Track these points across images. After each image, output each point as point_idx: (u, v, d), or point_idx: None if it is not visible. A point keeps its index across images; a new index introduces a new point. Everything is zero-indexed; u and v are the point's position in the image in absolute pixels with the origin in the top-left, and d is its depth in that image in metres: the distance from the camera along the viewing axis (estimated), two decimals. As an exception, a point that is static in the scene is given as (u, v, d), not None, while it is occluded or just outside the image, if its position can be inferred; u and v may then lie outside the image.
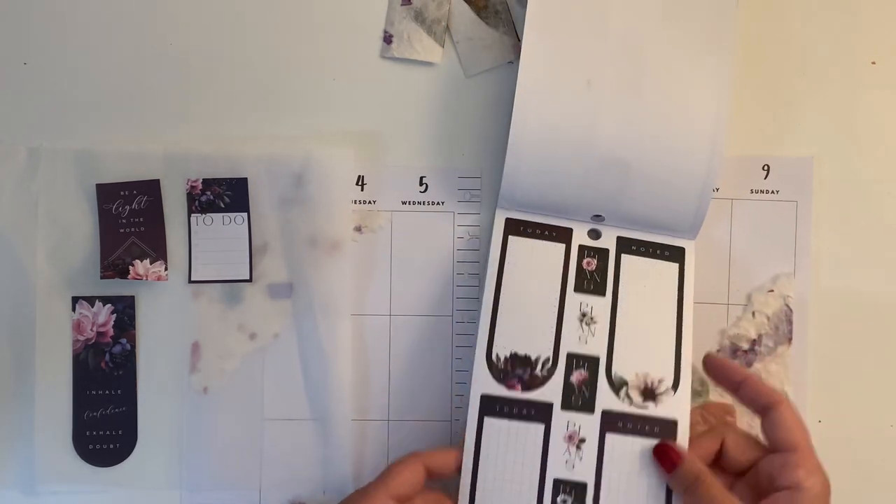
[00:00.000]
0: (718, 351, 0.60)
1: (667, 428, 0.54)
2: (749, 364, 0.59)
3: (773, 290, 0.60)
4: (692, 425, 0.55)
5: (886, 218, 0.60)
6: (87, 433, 0.59)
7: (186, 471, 0.59)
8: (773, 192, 0.60)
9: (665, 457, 0.53)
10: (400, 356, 0.60)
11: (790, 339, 0.60)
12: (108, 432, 0.59)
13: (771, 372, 0.59)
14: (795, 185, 0.60)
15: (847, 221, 0.60)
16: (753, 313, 0.60)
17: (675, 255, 0.57)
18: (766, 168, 0.60)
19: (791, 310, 0.60)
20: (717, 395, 0.60)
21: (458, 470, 0.54)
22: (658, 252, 0.57)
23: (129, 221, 0.59)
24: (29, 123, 0.59)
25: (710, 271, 0.60)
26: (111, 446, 0.59)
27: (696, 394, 0.59)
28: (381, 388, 0.60)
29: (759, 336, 0.60)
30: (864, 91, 0.60)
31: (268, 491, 0.59)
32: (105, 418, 0.59)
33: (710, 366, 0.55)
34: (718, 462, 0.54)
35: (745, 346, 0.60)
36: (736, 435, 0.54)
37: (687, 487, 0.51)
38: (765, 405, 0.52)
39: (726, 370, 0.54)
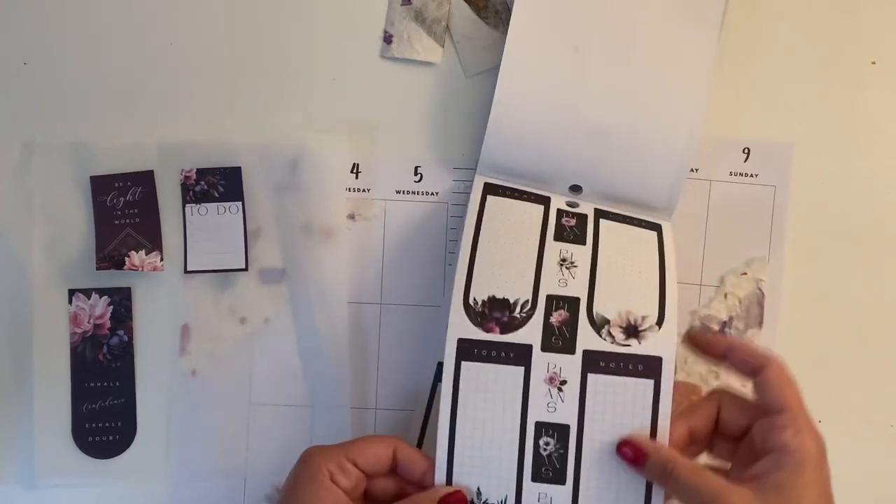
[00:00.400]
0: (691, 328, 0.60)
1: (651, 365, 0.51)
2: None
3: (746, 273, 0.60)
4: None
5: (864, 208, 0.61)
6: (87, 425, 0.59)
7: (184, 456, 0.59)
8: (751, 175, 0.61)
9: (630, 455, 0.50)
10: (389, 345, 0.60)
11: (761, 323, 0.60)
12: (107, 424, 0.59)
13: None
14: (775, 170, 0.60)
15: (824, 209, 0.61)
16: (725, 295, 0.60)
17: (653, 226, 0.58)
18: (746, 151, 0.61)
19: (763, 293, 0.60)
20: (684, 375, 0.60)
21: (424, 478, 0.52)
22: (636, 222, 0.58)
23: (124, 213, 0.58)
24: (22, 117, 0.59)
25: (685, 251, 0.59)
26: (111, 438, 0.59)
27: None
28: (369, 377, 0.60)
29: (730, 318, 0.60)
30: (864, 91, 0.61)
31: (253, 476, 0.60)
32: (104, 410, 0.59)
33: (693, 341, 0.54)
34: (717, 427, 0.52)
35: (716, 327, 0.60)
36: (730, 398, 0.52)
37: (660, 477, 0.50)
38: (754, 368, 0.51)
39: (709, 342, 0.53)
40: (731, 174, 0.61)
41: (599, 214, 0.58)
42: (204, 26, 0.59)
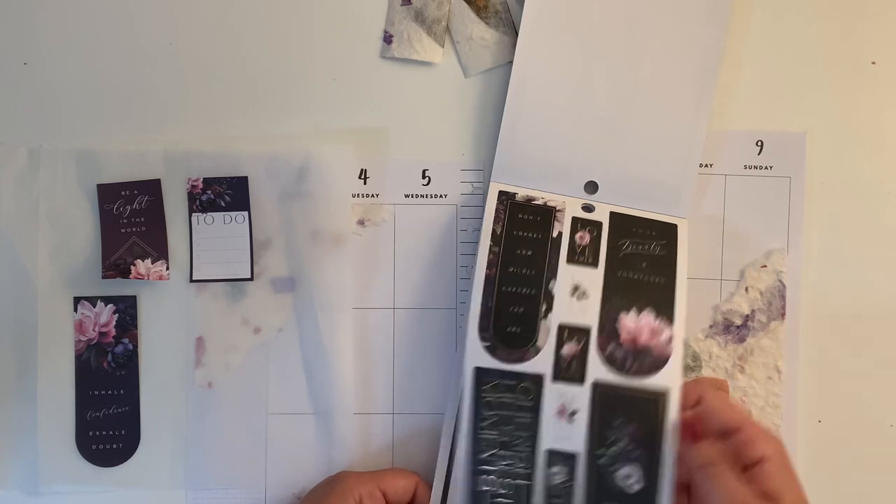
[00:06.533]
0: (711, 327, 0.60)
1: (656, 398, 0.54)
2: (742, 339, 0.60)
3: (766, 266, 0.60)
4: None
5: (879, 196, 0.61)
6: (90, 433, 0.58)
7: (191, 466, 0.59)
8: (766, 167, 0.60)
9: (691, 430, 0.52)
10: (404, 349, 0.60)
11: (783, 315, 0.60)
12: (111, 432, 0.59)
13: (764, 347, 0.60)
14: (789, 160, 0.60)
15: (840, 198, 0.61)
16: (746, 289, 0.60)
17: (668, 233, 0.58)
18: (759, 143, 0.60)
19: (784, 285, 0.60)
20: (710, 371, 0.60)
21: None
22: (650, 233, 0.57)
23: (131, 221, 0.59)
24: (29, 124, 0.59)
25: (704, 247, 0.60)
26: (114, 446, 0.59)
27: (688, 369, 0.60)
28: (384, 382, 0.60)
29: (752, 311, 0.60)
30: (864, 91, 0.61)
31: (273, 486, 0.59)
32: (108, 418, 0.59)
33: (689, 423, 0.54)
34: None
35: (738, 321, 0.60)
36: None
37: (702, 467, 0.50)
38: (692, 402, 0.53)
39: None
40: (745, 167, 0.61)
41: (614, 223, 0.57)
42: (204, 29, 0.60)
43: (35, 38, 0.60)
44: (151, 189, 0.59)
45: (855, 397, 0.60)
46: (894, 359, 0.60)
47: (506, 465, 0.54)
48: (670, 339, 0.54)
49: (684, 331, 0.55)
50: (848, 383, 0.60)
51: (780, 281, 0.60)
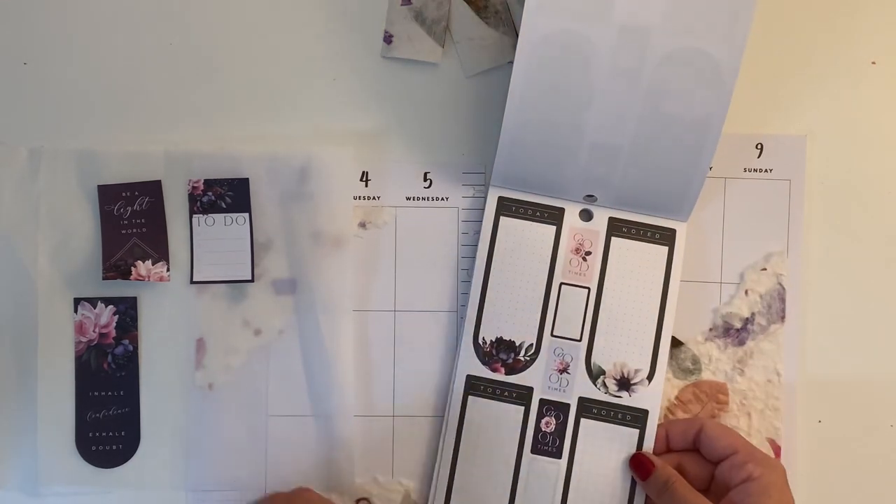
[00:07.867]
0: (711, 330, 0.60)
1: (638, 417, 0.57)
2: (742, 342, 0.60)
3: (765, 269, 0.60)
4: (686, 402, 0.60)
5: (879, 198, 0.61)
6: (90, 434, 0.58)
7: (191, 467, 0.59)
8: (766, 170, 0.61)
9: (640, 465, 0.56)
10: (404, 352, 0.60)
11: (783, 318, 0.60)
12: (111, 433, 0.59)
13: (764, 350, 0.60)
14: (789, 163, 0.61)
15: (840, 200, 0.61)
16: (746, 291, 0.60)
17: (666, 237, 0.58)
18: (759, 147, 0.61)
19: (784, 288, 0.60)
20: (710, 374, 0.60)
21: None
22: (649, 234, 0.58)
23: (131, 222, 0.59)
24: (29, 124, 0.59)
25: (703, 250, 0.60)
26: (114, 447, 0.59)
27: (688, 372, 0.60)
28: (385, 384, 0.60)
29: (752, 314, 0.60)
30: (864, 91, 0.61)
31: (273, 487, 0.59)
32: (108, 419, 0.59)
33: (636, 461, 0.57)
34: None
35: (738, 324, 0.60)
36: (689, 455, 0.57)
37: (659, 491, 0.55)
38: (693, 435, 0.57)
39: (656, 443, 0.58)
40: (745, 170, 0.61)
41: (612, 231, 0.58)
42: (204, 29, 0.60)
43: (35, 38, 0.60)
44: (152, 190, 0.59)
45: (855, 397, 0.60)
46: (894, 359, 0.60)
47: (486, 470, 0.57)
48: (655, 359, 0.58)
49: (679, 334, 0.56)
50: (848, 383, 0.60)
51: (780, 284, 0.60)
